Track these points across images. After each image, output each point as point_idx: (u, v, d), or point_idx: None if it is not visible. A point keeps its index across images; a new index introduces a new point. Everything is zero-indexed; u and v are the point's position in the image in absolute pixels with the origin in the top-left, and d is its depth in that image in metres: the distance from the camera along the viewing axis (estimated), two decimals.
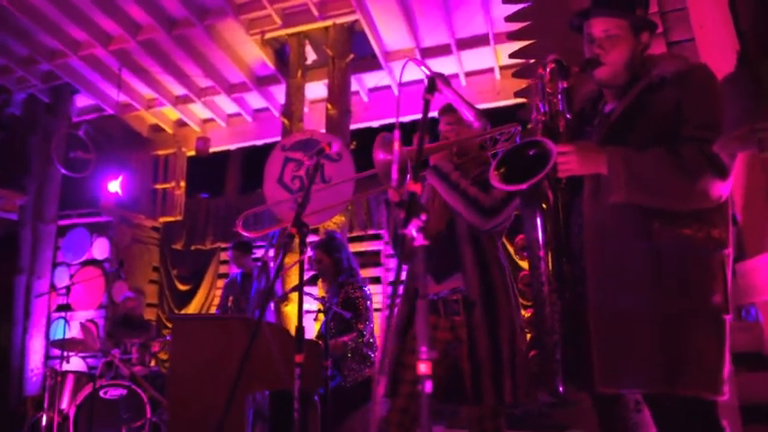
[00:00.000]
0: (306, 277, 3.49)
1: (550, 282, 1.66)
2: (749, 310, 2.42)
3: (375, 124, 7.32)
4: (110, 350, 5.49)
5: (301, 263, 1.81)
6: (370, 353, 3.33)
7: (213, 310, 7.62)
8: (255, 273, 5.19)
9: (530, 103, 3.25)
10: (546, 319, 1.66)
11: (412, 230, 1.31)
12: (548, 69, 1.71)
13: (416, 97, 6.87)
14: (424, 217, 1.33)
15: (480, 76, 6.89)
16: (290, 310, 5.79)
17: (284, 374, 2.12)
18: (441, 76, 1.60)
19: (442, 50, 6.54)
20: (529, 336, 2.22)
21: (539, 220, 1.66)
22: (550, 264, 1.66)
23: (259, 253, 6.16)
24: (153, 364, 5.86)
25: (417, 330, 1.29)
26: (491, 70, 6.81)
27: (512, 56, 3.51)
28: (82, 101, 7.90)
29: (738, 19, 2.46)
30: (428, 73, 1.50)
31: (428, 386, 1.24)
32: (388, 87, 7.12)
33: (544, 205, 1.65)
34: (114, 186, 7.45)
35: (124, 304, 6.35)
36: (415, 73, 7.36)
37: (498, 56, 6.56)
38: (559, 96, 1.63)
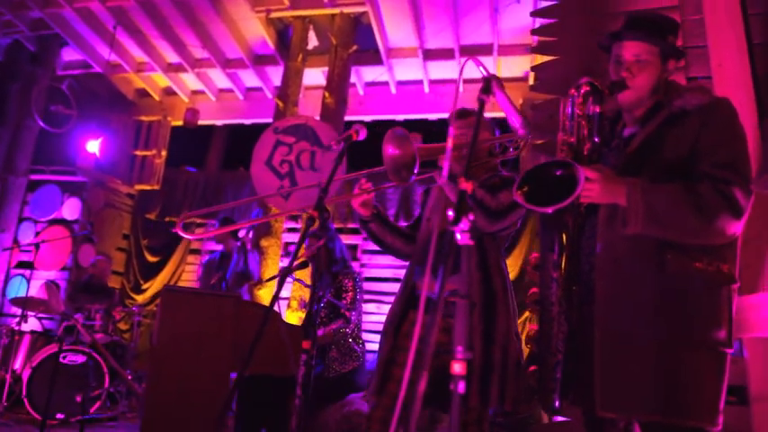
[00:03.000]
0: (296, 263, 3.49)
1: (560, 303, 1.68)
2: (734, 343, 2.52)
3: (367, 119, 7.30)
4: (72, 314, 5.36)
5: (320, 248, 1.80)
6: (356, 347, 3.32)
7: (182, 285, 7.51)
8: (235, 254, 5.14)
9: (538, 120, 3.28)
10: (552, 338, 1.68)
11: (460, 229, 1.32)
12: (581, 91, 1.71)
13: (415, 96, 6.89)
14: (471, 216, 1.35)
15: (478, 84, 6.94)
16: (264, 294, 5.75)
17: (291, 360, 2.11)
18: (496, 78, 1.61)
19: (445, 54, 6.57)
20: (527, 348, 2.26)
21: (556, 243, 1.69)
22: (562, 286, 1.68)
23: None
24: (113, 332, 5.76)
25: (456, 330, 1.31)
26: None
27: (534, 69, 3.53)
28: (69, 54, 7.68)
29: (755, 64, 2.55)
30: (485, 74, 1.51)
31: (461, 387, 1.26)
32: (386, 84, 7.12)
33: (563, 229, 1.68)
34: (93, 147, 7.27)
35: (93, 267, 6.21)
36: (415, 72, 7.41)
37: (499, 67, 6.62)
38: (589, 120, 1.65)
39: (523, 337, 2.41)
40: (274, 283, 4.93)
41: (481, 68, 1.58)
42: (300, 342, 2.65)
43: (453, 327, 2.29)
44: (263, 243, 6.01)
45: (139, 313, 5.74)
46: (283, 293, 6.57)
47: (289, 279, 5.80)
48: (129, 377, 5.12)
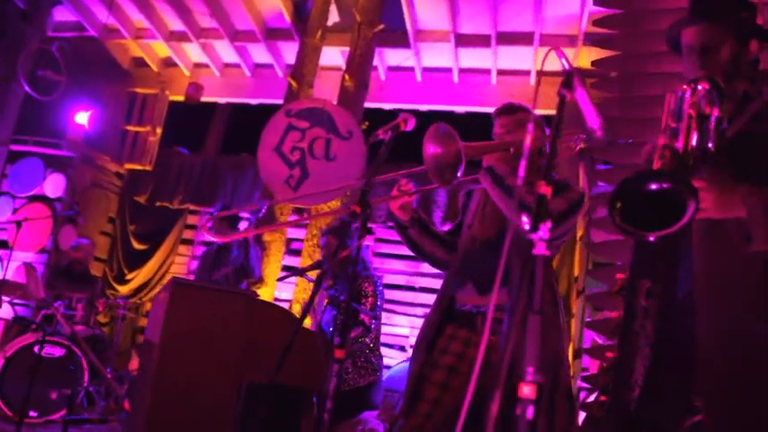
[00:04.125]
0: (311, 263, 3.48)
1: (647, 336, 1.64)
2: None
3: (387, 107, 7.29)
4: (52, 302, 5.35)
5: (358, 248, 1.78)
6: (373, 359, 3.32)
7: (168, 277, 7.50)
8: (235, 248, 5.12)
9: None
10: (632, 372, 1.64)
11: (539, 236, 1.30)
12: (699, 88, 1.62)
13: (442, 85, 6.87)
14: (550, 224, 1.32)
15: (514, 77, 6.93)
16: (264, 294, 5.73)
17: (323, 370, 2.09)
18: (578, 72, 1.58)
19: (479, 41, 6.54)
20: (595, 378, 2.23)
21: (650, 266, 1.64)
22: (652, 315, 1.63)
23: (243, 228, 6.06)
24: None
25: (527, 348, 1.28)
26: (527, 73, 6.85)
27: (594, 64, 3.50)
28: (62, 14, 7.67)
29: None
30: (567, 67, 1.48)
31: (530, 412, 1.24)
32: (411, 70, 7.09)
33: (659, 251, 1.63)
34: (82, 119, 7.27)
35: (75, 251, 6.20)
36: (444, 59, 7.39)
37: (538, 59, 6.60)
38: (702, 124, 1.57)
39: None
40: (283, 281, 4.89)
41: (563, 60, 1.55)
42: (316, 349, 2.65)
43: (494, 346, 2.29)
44: (266, 238, 6.00)
45: (124, 306, 5.72)
46: (284, 295, 6.55)
47: (291, 279, 5.80)
48: (109, 376, 5.11)
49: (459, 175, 2.20)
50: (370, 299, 3.37)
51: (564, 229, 2.26)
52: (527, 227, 1.36)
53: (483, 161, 2.41)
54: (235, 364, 2.57)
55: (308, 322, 5.76)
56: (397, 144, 2.23)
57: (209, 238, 6.15)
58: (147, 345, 3.30)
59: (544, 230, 1.33)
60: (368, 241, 7.02)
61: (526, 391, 1.24)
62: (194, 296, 2.59)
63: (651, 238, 1.43)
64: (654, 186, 1.45)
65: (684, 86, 1.63)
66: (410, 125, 2.08)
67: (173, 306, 2.50)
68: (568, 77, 1.52)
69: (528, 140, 1.45)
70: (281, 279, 3.45)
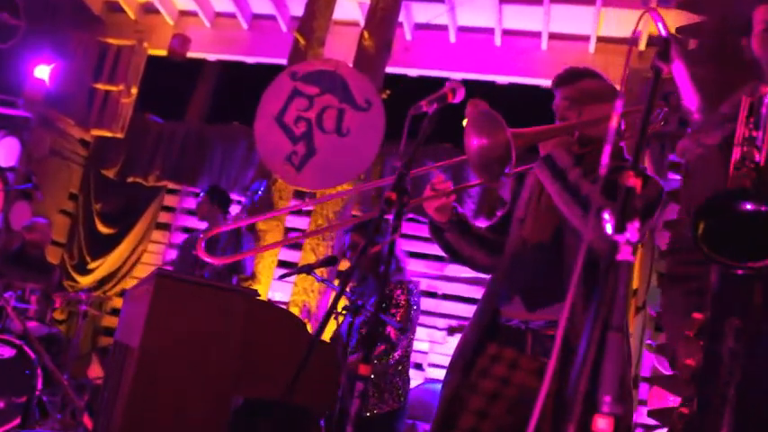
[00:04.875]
0: (321, 259, 3.49)
1: (736, 384, 1.63)
2: None
3: (413, 73, 7.27)
4: (0, 293, 5.39)
5: (391, 244, 1.77)
6: (399, 382, 3.33)
7: (141, 269, 7.55)
8: (223, 237, 5.14)
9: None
10: (718, 420, 1.64)
11: (625, 238, 1.29)
12: None
13: (481, 49, 6.86)
14: (638, 223, 1.31)
15: (569, 43, 6.89)
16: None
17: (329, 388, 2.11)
18: (677, 41, 1.57)
19: None
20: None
21: (740, 300, 1.62)
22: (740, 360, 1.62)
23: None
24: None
25: (605, 373, 1.28)
26: (585, 39, 6.81)
27: (681, 30, 3.44)
28: None
29: None
30: (664, 33, 1.46)
31: None
32: (444, 29, 7.06)
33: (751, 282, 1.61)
34: (42, 73, 7.29)
35: (28, 232, 6.24)
36: (485, 17, 7.39)
37: (600, 23, 6.56)
38: None
39: None
40: (282, 280, 4.89)
41: (659, 25, 1.53)
42: (331, 363, 2.66)
43: (547, 371, 2.29)
44: (261, 226, 6.02)
45: (86, 301, 5.76)
46: (278, 296, 6.59)
47: (290, 278, 5.82)
48: (66, 383, 5.15)
49: (507, 171, 2.19)
50: (401, 310, 3.39)
51: (646, 230, 2.27)
52: (609, 227, 1.35)
53: (540, 148, 2.40)
54: (229, 375, 2.56)
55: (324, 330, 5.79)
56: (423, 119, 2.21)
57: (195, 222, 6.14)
58: (117, 350, 3.32)
59: (632, 231, 1.31)
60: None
61: (602, 424, 1.24)
62: (183, 292, 2.58)
63: (740, 272, 1.41)
64: (749, 207, 1.44)
65: (766, 89, 1.61)
66: (459, 96, 2.07)
67: (157, 303, 2.50)
68: (665, 46, 1.50)
69: (615, 120, 1.43)
70: (283, 277, 3.45)
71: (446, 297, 6.78)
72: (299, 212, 7.19)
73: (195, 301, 2.60)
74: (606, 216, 1.33)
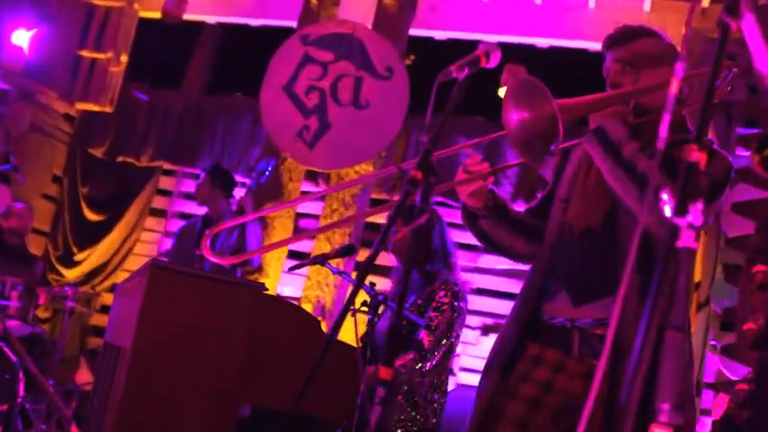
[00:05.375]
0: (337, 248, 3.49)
1: None
2: None
3: (440, 36, 7.22)
4: None
5: (419, 229, 1.77)
6: (436, 397, 3.34)
7: (133, 260, 7.60)
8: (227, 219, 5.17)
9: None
10: None
11: (687, 221, 1.27)
12: None
13: (519, 8, 6.84)
14: (701, 204, 1.29)
15: (621, 4, 6.81)
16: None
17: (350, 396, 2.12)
18: None
19: None
20: None
21: None
22: None
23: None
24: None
25: (663, 377, 1.27)
26: None
27: None
28: None
29: None
30: None
31: None
32: None
33: None
34: (20, 39, 7.31)
35: (6, 218, 6.30)
36: None
37: None
38: None
39: None
40: (294, 272, 4.91)
41: None
42: (349, 367, 2.66)
43: (596, 374, 2.28)
44: (268, 204, 6.03)
45: (73, 297, 5.82)
46: (287, 291, 6.62)
47: (302, 271, 5.84)
48: (52, 389, 5.21)
49: (553, 148, 2.18)
50: (440, 316, 3.38)
51: (711, 213, 2.25)
52: (667, 209, 1.34)
53: (590, 119, 2.38)
54: (233, 381, 2.58)
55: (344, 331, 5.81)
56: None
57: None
58: (107, 352, 3.35)
59: (695, 214, 1.30)
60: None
61: None
62: (180, 286, 2.61)
63: None
64: None
65: None
66: (494, 60, 2.05)
67: (151, 299, 2.52)
68: (735, 2, 1.47)
69: (675, 86, 1.41)
70: (293, 269, 3.45)
71: (480, 292, 6.75)
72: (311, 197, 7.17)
73: (194, 296, 2.63)
74: (665, 196, 1.31)
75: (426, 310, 3.46)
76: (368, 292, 3.08)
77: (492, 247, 2.58)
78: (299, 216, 6.93)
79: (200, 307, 2.62)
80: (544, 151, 2.23)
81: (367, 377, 2.86)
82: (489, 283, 6.77)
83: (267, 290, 2.79)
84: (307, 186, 6.95)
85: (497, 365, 2.38)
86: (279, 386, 2.55)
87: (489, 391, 2.36)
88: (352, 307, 1.81)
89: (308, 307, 5.84)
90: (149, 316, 2.52)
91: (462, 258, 6.79)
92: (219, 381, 2.56)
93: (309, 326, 2.77)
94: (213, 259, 2.71)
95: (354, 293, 1.74)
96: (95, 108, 7.76)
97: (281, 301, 3.21)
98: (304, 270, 5.86)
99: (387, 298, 3.05)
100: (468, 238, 6.53)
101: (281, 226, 6.09)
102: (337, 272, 3.44)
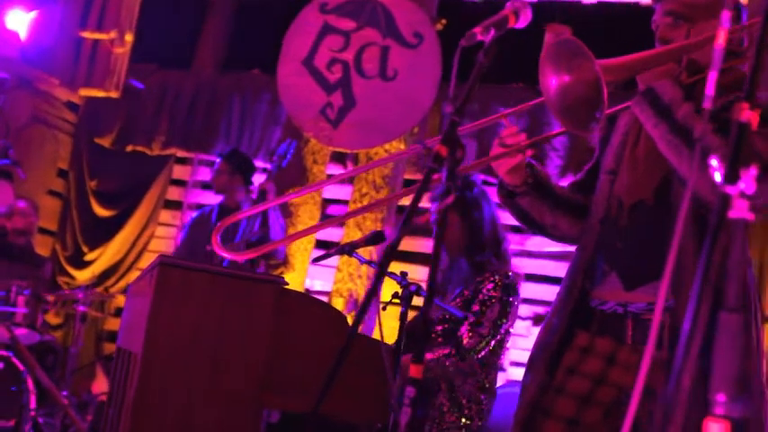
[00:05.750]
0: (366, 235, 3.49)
1: None
2: None
3: None
4: None
5: (444, 210, 1.76)
6: (483, 398, 3.35)
7: (149, 258, 7.67)
8: (245, 207, 5.20)
9: None
10: None
11: (738, 190, 1.26)
12: None
13: None
14: (755, 170, 1.28)
15: None
16: (291, 280, 5.83)
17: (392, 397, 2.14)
18: None
19: None
20: None
21: None
22: None
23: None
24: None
25: (716, 365, 1.26)
26: None
27: None
28: None
29: None
30: None
31: None
32: None
33: None
34: (18, 22, 7.39)
35: (9, 218, 6.38)
36: None
37: None
38: None
39: None
40: (319, 263, 4.93)
41: None
42: (380, 365, 2.66)
43: (651, 365, 2.27)
44: (292, 200, 6.06)
45: (84, 300, 5.89)
46: (317, 285, 6.65)
47: (331, 262, 5.85)
48: (66, 401, 5.29)
49: (598, 115, 2.16)
50: (494, 307, 3.37)
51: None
52: (717, 176, 1.32)
53: (638, 80, 2.36)
54: (256, 385, 2.60)
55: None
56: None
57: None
58: (120, 358, 3.39)
59: (748, 181, 1.28)
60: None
61: (715, 430, 1.23)
62: (193, 284, 2.61)
63: None
64: None
65: None
66: (524, 20, 2.03)
67: (161, 299, 2.53)
68: None
69: (721, 37, 1.39)
70: (318, 260, 3.46)
71: (530, 278, 6.72)
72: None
73: (209, 294, 2.63)
74: (714, 162, 1.30)
75: (472, 303, 3.46)
76: (399, 282, 3.08)
77: (533, 227, 2.59)
78: (327, 202, 6.95)
79: (216, 306, 2.63)
80: (589, 118, 2.22)
81: (402, 372, 2.88)
82: (540, 267, 6.73)
83: (288, 284, 2.80)
84: (333, 169, 6.95)
85: (543, 358, 2.39)
86: (305, 390, 2.56)
87: (535, 387, 2.37)
88: (378, 300, 1.81)
89: (339, 302, 5.86)
90: (160, 318, 2.54)
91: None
92: (240, 385, 2.57)
93: (338, 323, 2.78)
94: (224, 254, 2.72)
95: (376, 283, 1.75)
96: (100, 94, 7.80)
97: (305, 296, 3.23)
98: (334, 261, 5.89)
99: (419, 288, 3.04)
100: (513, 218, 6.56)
101: (307, 213, 6.12)
102: (366, 262, 3.44)
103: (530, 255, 6.77)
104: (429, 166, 1.80)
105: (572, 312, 2.40)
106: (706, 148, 2.17)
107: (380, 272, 1.76)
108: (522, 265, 6.76)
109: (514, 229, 6.80)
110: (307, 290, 6.50)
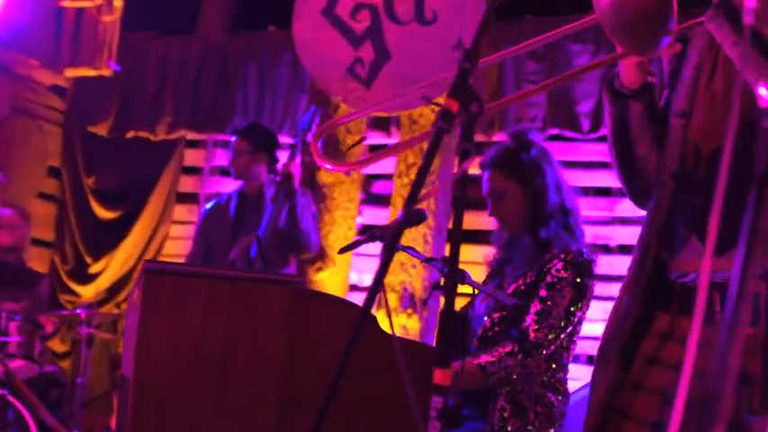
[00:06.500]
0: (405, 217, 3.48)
1: None
2: None
3: None
4: None
5: (462, 178, 1.76)
6: (555, 402, 3.35)
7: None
8: (269, 196, 5.22)
9: None
10: None
11: None
12: None
13: None
14: None
15: None
16: (332, 278, 5.86)
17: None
18: None
19: None
20: None
21: None
22: None
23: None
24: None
25: None
26: None
27: None
28: None
29: None
30: None
31: None
32: None
33: None
34: None
35: None
36: None
37: None
38: None
39: None
40: (355, 252, 4.95)
41: None
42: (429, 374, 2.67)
43: (751, 346, 2.26)
44: (324, 178, 6.07)
45: (88, 321, 5.98)
46: (365, 280, 6.66)
47: (370, 249, 5.85)
48: None
49: (669, 27, 2.14)
50: (564, 294, 3.37)
51: None
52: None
53: None
54: (271, 406, 2.63)
55: (407, 325, 5.83)
56: None
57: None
58: (123, 386, 3.45)
59: None
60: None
61: None
62: (191, 292, 2.63)
63: None
64: None
65: None
66: None
67: (151, 312, 2.55)
68: None
69: None
70: (345, 250, 3.46)
71: (622, 249, 6.66)
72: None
73: (210, 303, 2.64)
74: (763, 90, 1.29)
75: (538, 287, 3.44)
76: (440, 270, 3.07)
77: (622, 155, 2.56)
78: (370, 179, 6.93)
79: (220, 316, 2.63)
80: (654, 40, 2.20)
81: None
82: (634, 237, 6.66)
83: (305, 284, 2.82)
84: (373, 138, 6.93)
85: (615, 348, 2.39)
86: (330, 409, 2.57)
87: (607, 384, 2.37)
88: (380, 289, 1.82)
89: (392, 298, 5.85)
90: (151, 335, 2.55)
91: (596, 207, 6.73)
92: (252, 406, 2.59)
93: (368, 327, 2.79)
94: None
95: (382, 272, 1.75)
96: (90, 73, 7.88)
97: (327, 297, 3.23)
98: (369, 250, 5.88)
99: (464, 275, 3.02)
100: (603, 178, 6.48)
101: (344, 195, 6.13)
102: (402, 248, 3.44)
103: (622, 221, 6.70)
104: (438, 125, 1.80)
105: (646, 290, 2.38)
106: None
107: (385, 262, 1.76)
108: (612, 234, 6.72)
109: (601, 192, 6.75)
110: (353, 286, 6.50)
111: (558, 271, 3.42)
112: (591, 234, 6.62)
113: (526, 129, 3.84)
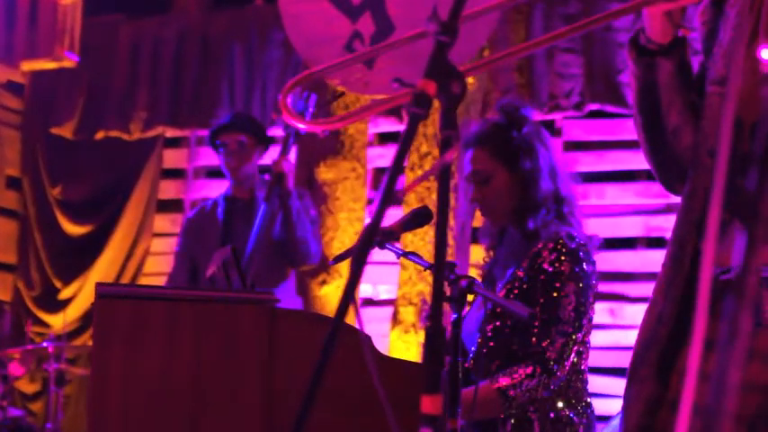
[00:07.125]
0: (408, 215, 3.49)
1: None
2: None
3: None
4: None
5: (445, 170, 1.75)
6: (573, 416, 3.34)
7: (146, 283, 7.76)
8: (261, 201, 5.23)
9: None
10: None
11: None
12: None
13: None
14: None
15: None
16: (334, 292, 5.87)
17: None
18: None
19: None
20: None
21: None
22: None
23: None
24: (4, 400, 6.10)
25: None
26: None
27: None
28: None
29: None
30: None
31: None
32: None
33: None
34: None
35: None
36: None
37: None
38: None
39: None
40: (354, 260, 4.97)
41: None
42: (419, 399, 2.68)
43: None
44: (324, 175, 6.10)
45: (57, 356, 6.02)
46: (382, 291, 6.67)
47: (384, 257, 5.87)
48: None
49: None
50: (568, 290, 3.37)
51: None
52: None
53: None
54: None
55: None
56: None
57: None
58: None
59: None
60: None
61: None
62: (152, 318, 2.64)
63: None
64: None
65: None
66: None
67: (105, 343, 2.57)
68: None
69: None
70: (338, 259, 3.45)
71: (663, 245, 6.65)
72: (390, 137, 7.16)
73: (175, 329, 2.64)
74: (765, 53, 1.30)
75: (535, 290, 3.41)
76: (445, 278, 3.07)
77: (652, 123, 2.56)
78: (378, 173, 6.91)
79: (187, 343, 2.63)
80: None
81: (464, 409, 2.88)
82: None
83: (279, 302, 2.82)
84: (381, 125, 6.93)
85: (650, 360, 2.39)
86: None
87: (642, 403, 2.37)
88: (353, 302, 1.81)
89: (409, 311, 5.87)
90: (108, 369, 2.57)
91: (643, 194, 6.72)
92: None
93: (356, 348, 2.79)
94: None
95: (352, 284, 1.75)
96: (50, 65, 7.91)
97: (307, 315, 3.24)
98: (390, 256, 5.90)
99: (472, 283, 3.02)
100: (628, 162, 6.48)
101: (349, 193, 6.15)
102: (403, 254, 3.44)
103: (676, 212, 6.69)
104: (411, 110, 1.78)
105: (684, 290, 2.38)
106: None
107: (354, 275, 1.76)
108: (668, 225, 6.69)
109: (653, 177, 6.73)
110: (368, 300, 6.51)
111: (551, 264, 3.38)
112: (642, 225, 6.64)
113: (518, 103, 3.80)
